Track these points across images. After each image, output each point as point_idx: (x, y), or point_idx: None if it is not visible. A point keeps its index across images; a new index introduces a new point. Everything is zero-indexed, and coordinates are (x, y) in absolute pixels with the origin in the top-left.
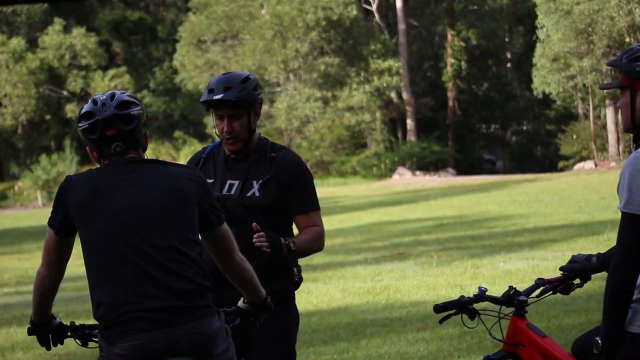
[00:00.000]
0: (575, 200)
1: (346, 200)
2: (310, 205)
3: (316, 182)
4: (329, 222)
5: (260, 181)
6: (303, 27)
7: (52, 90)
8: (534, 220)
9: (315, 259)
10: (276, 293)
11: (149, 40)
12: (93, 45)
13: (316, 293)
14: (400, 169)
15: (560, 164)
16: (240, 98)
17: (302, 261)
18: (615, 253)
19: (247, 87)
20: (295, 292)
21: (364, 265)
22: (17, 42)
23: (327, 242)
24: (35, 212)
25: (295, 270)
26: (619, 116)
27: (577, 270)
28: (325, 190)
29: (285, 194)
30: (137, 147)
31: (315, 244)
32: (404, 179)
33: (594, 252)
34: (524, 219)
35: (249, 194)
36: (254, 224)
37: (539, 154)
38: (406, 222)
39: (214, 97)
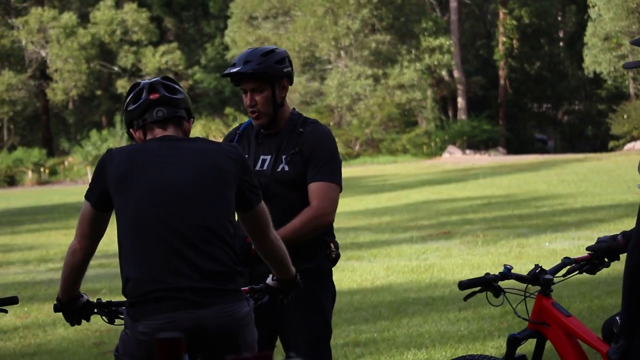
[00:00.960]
0: (624, 180)
1: (395, 179)
2: (326, 175)
3: (366, 160)
4: (377, 200)
5: (288, 156)
6: (354, 3)
7: (103, 65)
8: (581, 199)
9: (362, 237)
10: (313, 270)
11: (200, 16)
12: (144, 20)
13: (360, 271)
14: (451, 148)
15: (611, 143)
16: (258, 71)
17: (347, 239)
18: (634, 233)
19: (267, 60)
20: (340, 270)
21: (410, 243)
22: (69, 17)
23: (374, 220)
24: (84, 188)
25: (332, 246)
26: None
27: (604, 249)
28: (375, 168)
29: (307, 166)
30: (179, 124)
31: (306, 227)
32: (454, 158)
33: None
34: (572, 199)
35: (279, 169)
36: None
37: (590, 133)
38: (454, 201)
39: (231, 70)
